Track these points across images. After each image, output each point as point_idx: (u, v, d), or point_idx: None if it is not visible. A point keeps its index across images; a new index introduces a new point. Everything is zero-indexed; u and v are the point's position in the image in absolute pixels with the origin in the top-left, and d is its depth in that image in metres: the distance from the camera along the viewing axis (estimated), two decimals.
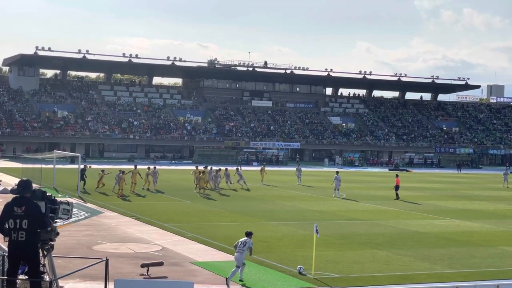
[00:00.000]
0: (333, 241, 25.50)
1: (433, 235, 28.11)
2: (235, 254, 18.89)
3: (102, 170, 45.75)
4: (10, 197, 11.11)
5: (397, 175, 47.36)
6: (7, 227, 10.50)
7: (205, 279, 18.64)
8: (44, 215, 10.61)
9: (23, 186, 10.69)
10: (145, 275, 18.73)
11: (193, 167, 50.96)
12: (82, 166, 45.58)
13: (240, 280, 18.54)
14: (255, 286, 18.19)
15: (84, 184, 44.15)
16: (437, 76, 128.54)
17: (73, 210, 31.36)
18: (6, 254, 13.37)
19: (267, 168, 60.05)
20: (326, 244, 24.33)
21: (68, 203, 11.18)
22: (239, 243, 18.86)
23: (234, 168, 56.57)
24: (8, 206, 10.61)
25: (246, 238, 19.05)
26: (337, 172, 47.53)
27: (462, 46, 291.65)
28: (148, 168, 47.48)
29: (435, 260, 22.46)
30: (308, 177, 60.75)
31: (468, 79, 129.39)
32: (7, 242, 10.68)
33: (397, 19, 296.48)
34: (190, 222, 30.16)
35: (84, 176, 44.82)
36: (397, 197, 43.85)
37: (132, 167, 46.71)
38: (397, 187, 44.67)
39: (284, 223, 30.65)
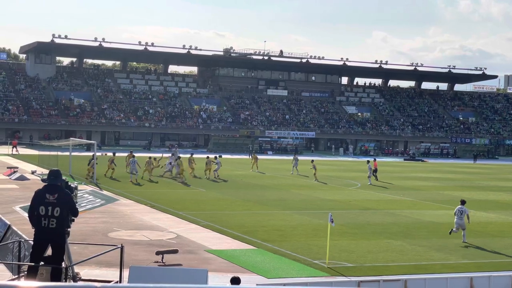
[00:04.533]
0: (347, 230, 25.50)
1: (448, 226, 27.96)
2: (455, 219, 23.82)
3: (114, 153, 46.66)
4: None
5: (374, 159, 51.18)
6: (36, 214, 10.61)
7: (219, 267, 18.73)
8: (75, 204, 10.91)
9: (55, 175, 10.91)
10: (160, 262, 18.85)
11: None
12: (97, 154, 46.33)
13: (463, 242, 23.22)
14: (269, 275, 18.25)
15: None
16: (454, 66, 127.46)
17: (89, 197, 31.39)
18: (22, 240, 13.52)
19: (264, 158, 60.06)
20: (340, 233, 24.34)
21: (76, 187, 11.48)
22: (457, 211, 23.85)
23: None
24: (39, 193, 10.69)
25: (461, 206, 23.78)
26: (368, 161, 49.05)
27: (480, 36, 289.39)
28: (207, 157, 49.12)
29: (450, 250, 22.40)
30: (323, 166, 60.64)
31: (485, 69, 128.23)
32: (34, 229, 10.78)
33: (414, 8, 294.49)
34: (205, 210, 30.27)
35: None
36: (376, 179, 47.81)
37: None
38: (375, 170, 48.30)
39: (298, 212, 30.69)
